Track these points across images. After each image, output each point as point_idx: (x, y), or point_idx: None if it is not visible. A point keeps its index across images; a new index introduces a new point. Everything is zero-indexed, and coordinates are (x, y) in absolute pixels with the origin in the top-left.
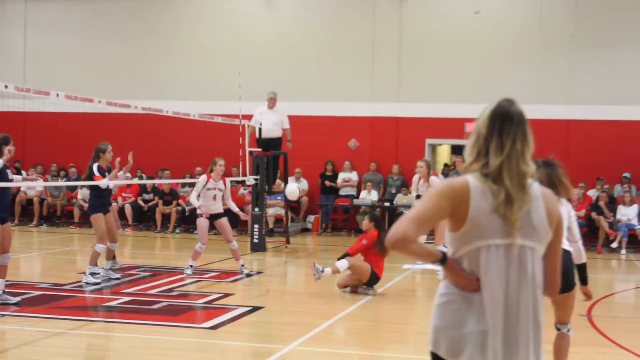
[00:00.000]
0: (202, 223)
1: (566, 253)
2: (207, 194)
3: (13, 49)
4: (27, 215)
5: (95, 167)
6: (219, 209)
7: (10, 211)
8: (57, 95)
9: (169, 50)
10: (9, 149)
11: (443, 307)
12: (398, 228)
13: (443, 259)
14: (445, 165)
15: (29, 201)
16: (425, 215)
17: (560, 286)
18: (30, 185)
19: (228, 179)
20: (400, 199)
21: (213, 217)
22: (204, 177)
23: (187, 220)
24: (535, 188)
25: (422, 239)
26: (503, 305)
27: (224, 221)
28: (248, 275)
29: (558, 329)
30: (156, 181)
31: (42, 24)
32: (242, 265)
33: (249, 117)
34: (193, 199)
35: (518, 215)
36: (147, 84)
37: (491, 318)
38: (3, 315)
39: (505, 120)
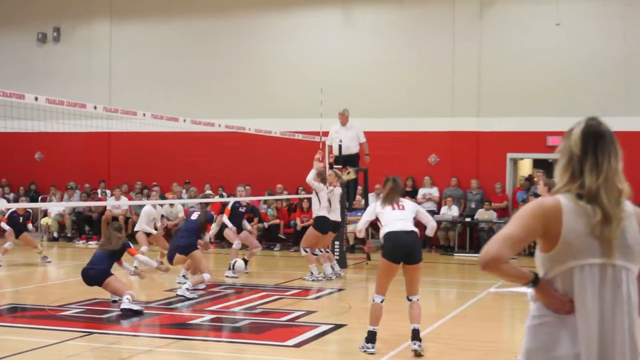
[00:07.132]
0: None
1: None
2: None
3: (98, 71)
4: None
5: None
6: None
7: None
8: (144, 115)
9: (251, 69)
10: None
11: (536, 329)
12: (490, 248)
13: (535, 281)
14: (527, 179)
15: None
16: (517, 236)
17: None
18: (115, 204)
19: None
20: (481, 214)
21: None
22: None
23: (266, 237)
24: (627, 205)
25: None
26: (597, 327)
27: None
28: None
29: None
30: (237, 198)
31: (127, 45)
32: None
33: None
34: None
35: (616, 233)
36: (229, 102)
37: (585, 341)
38: (90, 333)
39: (598, 139)
